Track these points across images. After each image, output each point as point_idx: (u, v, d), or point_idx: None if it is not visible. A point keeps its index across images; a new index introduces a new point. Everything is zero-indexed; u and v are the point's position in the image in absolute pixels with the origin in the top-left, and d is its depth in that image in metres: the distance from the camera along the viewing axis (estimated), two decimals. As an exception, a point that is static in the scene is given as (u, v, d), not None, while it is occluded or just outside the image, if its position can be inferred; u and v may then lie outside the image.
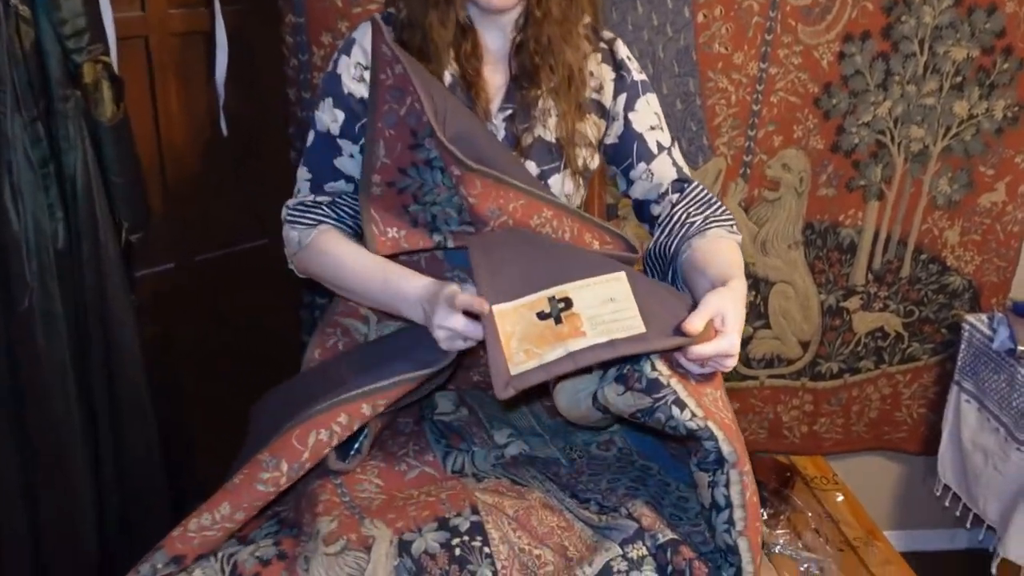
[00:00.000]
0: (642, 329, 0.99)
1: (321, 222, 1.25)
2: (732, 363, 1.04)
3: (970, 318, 2.14)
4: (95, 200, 1.35)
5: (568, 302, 1.02)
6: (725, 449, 0.99)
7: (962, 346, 2.14)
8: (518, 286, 1.03)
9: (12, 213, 1.27)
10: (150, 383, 1.47)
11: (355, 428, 1.06)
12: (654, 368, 1.02)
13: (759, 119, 1.96)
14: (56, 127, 1.31)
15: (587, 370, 1.09)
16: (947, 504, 2.23)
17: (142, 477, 1.49)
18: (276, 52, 1.63)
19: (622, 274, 1.05)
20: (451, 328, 1.04)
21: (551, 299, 1.02)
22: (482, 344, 1.01)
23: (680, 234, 1.23)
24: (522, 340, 0.99)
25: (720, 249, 1.19)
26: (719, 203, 1.25)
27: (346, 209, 1.25)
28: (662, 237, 1.25)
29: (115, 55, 1.40)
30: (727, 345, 1.02)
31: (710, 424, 0.99)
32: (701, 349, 1.01)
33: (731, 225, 1.23)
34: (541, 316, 1.00)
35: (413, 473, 1.16)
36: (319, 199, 1.24)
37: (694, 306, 1.05)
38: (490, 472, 1.16)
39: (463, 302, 1.02)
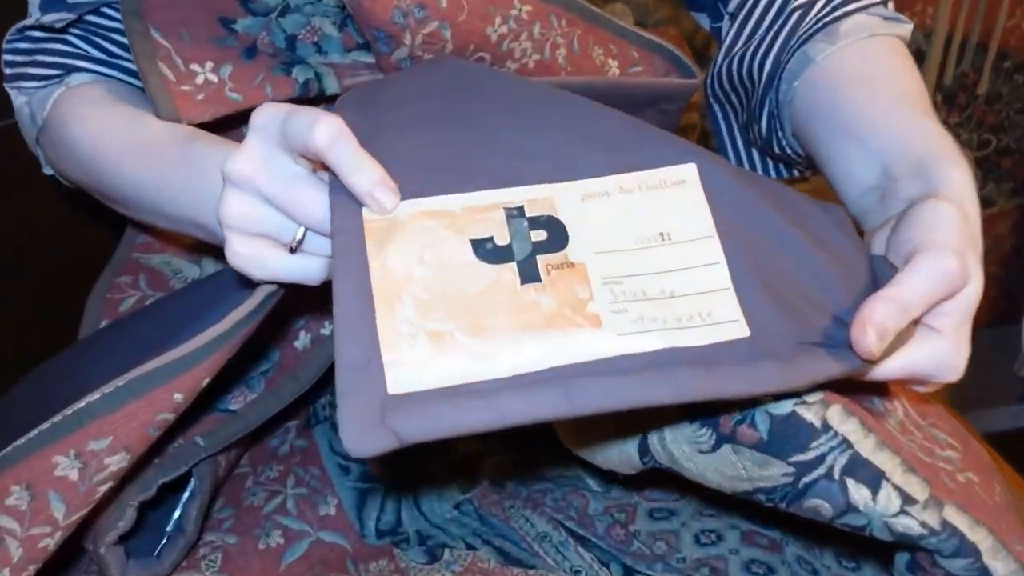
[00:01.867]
0: (743, 331, 0.40)
1: (71, 69, 0.62)
2: (954, 376, 0.44)
3: (1074, 143, 1.59)
4: None
5: (555, 227, 0.41)
6: (996, 566, 0.40)
7: (1061, 182, 1.60)
8: (440, 177, 0.43)
9: None
10: None
11: (52, 508, 0.46)
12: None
13: None
14: None
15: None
16: (1036, 386, 1.74)
17: None
18: None
19: (691, 168, 0.44)
20: (260, 194, 0.43)
21: (513, 212, 0.42)
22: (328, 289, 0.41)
23: (780, 35, 0.61)
24: (432, 304, 0.39)
25: (881, 71, 0.56)
26: None
27: (115, 38, 0.62)
28: (739, 43, 0.64)
29: None
30: (944, 355, 0.43)
31: (949, 513, 0.40)
32: (888, 367, 0.42)
33: (882, 2, 0.62)
34: (485, 254, 0.41)
35: (299, 547, 0.58)
36: (50, 19, 0.60)
37: (870, 267, 0.45)
38: (451, 530, 0.59)
39: (320, 137, 0.41)
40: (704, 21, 0.68)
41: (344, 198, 0.41)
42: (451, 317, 0.38)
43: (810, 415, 0.40)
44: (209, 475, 0.56)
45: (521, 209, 0.42)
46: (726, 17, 0.65)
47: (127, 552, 0.53)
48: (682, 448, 0.43)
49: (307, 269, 0.45)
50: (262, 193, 0.43)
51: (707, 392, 0.37)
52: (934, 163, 0.48)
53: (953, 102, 1.59)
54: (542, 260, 0.40)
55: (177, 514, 0.56)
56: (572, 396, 0.36)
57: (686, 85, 0.63)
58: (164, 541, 0.55)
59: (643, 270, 0.41)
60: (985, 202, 1.72)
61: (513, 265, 0.40)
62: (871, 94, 0.55)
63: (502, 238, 0.41)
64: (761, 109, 0.62)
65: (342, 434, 0.36)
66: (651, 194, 0.43)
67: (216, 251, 0.65)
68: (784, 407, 0.41)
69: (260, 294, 0.46)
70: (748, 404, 0.41)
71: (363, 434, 0.36)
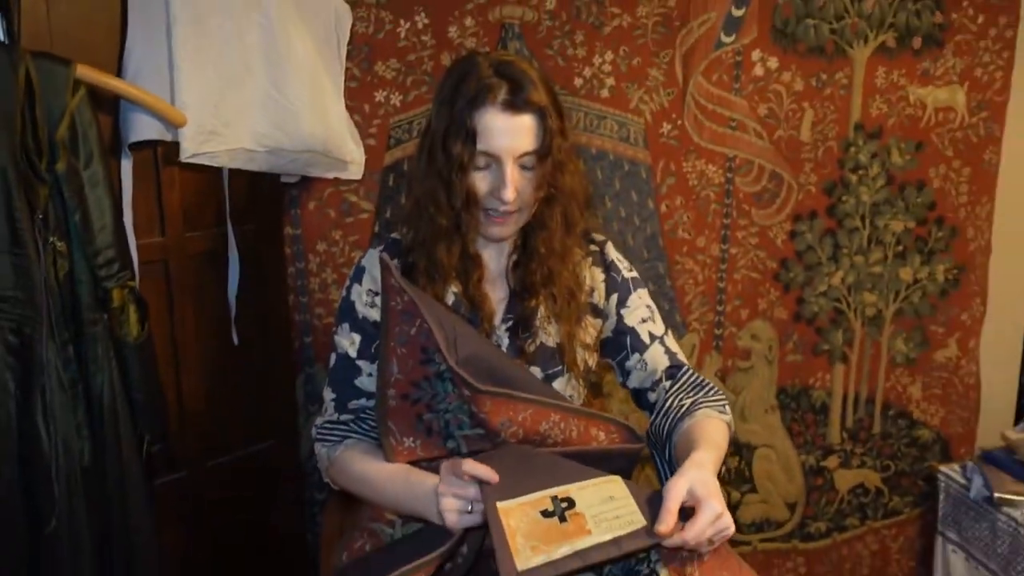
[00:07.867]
0: (643, 522, 1.06)
1: (346, 437, 1.33)
2: (729, 524, 1.06)
3: (944, 469, 2.24)
4: (119, 418, 1.41)
5: (571, 502, 1.09)
6: None
7: (940, 497, 2.23)
8: (520, 488, 1.10)
9: (44, 435, 1.32)
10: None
11: None
12: None
13: (726, 295, 2.11)
14: (85, 349, 1.38)
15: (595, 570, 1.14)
16: (951, 658, 2.24)
17: None
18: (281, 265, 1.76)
19: (616, 477, 1.14)
20: (452, 492, 1.10)
21: (554, 499, 1.09)
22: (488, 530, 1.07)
23: (671, 417, 1.31)
24: (528, 536, 1.04)
25: (704, 428, 1.25)
26: (711, 386, 1.33)
27: (370, 423, 1.32)
28: (657, 419, 1.34)
29: (137, 278, 1.49)
30: (711, 514, 1.04)
31: None
32: (696, 531, 1.04)
33: (722, 405, 1.30)
34: (546, 514, 1.07)
35: None
36: (343, 417, 1.33)
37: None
38: None
39: (468, 468, 1.09)
40: (647, 415, 1.38)
41: (488, 491, 1.09)
42: (538, 539, 1.03)
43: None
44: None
45: (556, 497, 1.09)
46: (653, 412, 1.35)
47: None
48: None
49: (473, 519, 1.11)
50: (452, 493, 1.11)
51: (631, 548, 1.04)
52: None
53: (856, 438, 2.27)
54: (567, 513, 1.07)
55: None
56: (584, 558, 1.02)
57: (636, 449, 1.32)
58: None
59: (605, 510, 1.06)
60: (894, 512, 2.34)
61: (556, 517, 1.06)
62: (695, 439, 1.22)
63: (550, 508, 1.07)
64: (664, 452, 1.31)
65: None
66: (605, 484, 1.11)
67: (401, 524, 1.31)
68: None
69: (453, 534, 1.12)
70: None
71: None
